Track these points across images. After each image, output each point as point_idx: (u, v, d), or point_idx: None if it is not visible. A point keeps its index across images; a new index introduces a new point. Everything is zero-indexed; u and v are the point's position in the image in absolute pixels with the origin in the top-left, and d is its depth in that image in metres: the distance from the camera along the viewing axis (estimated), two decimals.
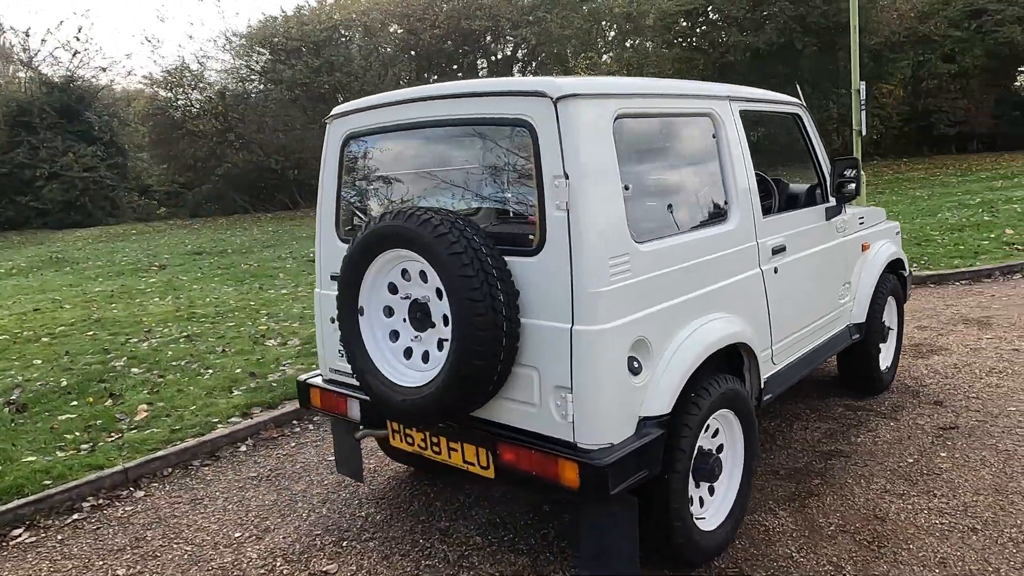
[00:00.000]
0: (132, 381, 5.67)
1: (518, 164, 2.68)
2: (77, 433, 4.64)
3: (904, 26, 22.62)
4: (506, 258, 2.56)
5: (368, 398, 2.97)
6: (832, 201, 4.02)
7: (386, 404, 2.76)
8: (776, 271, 3.42)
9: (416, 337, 2.77)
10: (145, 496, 3.95)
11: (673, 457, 2.69)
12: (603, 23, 27.11)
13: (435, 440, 2.94)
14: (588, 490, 2.44)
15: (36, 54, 24.94)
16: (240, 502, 3.83)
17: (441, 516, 3.53)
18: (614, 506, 2.57)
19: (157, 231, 20.42)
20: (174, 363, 6.12)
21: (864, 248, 4.42)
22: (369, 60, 24.38)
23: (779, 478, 3.69)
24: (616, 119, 2.61)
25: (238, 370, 5.80)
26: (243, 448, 4.52)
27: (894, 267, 4.69)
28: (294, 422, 4.89)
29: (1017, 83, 25.65)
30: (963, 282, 7.69)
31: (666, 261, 2.76)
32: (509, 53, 27.35)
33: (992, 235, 9.48)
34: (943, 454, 3.83)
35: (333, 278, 3.22)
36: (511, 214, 2.77)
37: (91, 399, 5.29)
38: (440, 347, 2.69)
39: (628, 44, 26.90)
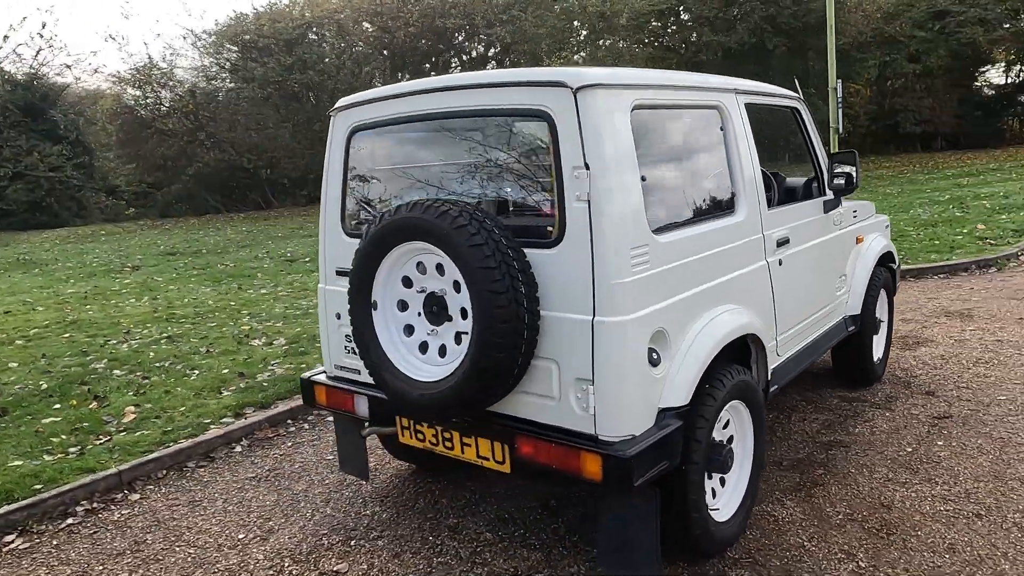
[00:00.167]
0: (116, 383, 5.53)
1: (534, 155, 2.65)
2: (63, 436, 4.51)
3: (871, 27, 23.07)
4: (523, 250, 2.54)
5: (381, 394, 2.93)
6: (829, 194, 4.06)
7: (402, 399, 2.71)
8: (781, 263, 3.45)
9: (432, 331, 2.73)
10: (141, 499, 3.85)
11: (690, 448, 2.69)
12: (576, 22, 27.19)
13: (447, 436, 2.90)
14: (611, 482, 2.43)
15: None
16: (240, 503, 3.75)
17: (448, 513, 3.49)
18: (636, 498, 2.56)
19: (127, 232, 20.02)
20: (157, 364, 5.99)
21: (858, 241, 4.49)
22: (342, 59, 24.14)
23: (783, 469, 3.72)
24: (633, 110, 2.61)
25: (225, 370, 5.69)
26: (238, 449, 4.43)
27: (884, 260, 4.76)
28: (289, 421, 4.81)
29: (978, 83, 26.33)
30: (941, 276, 7.85)
31: (682, 252, 2.76)
32: (482, 51, 27.29)
33: (965, 230, 9.68)
34: (940, 443, 3.89)
35: (339, 273, 3.17)
36: (526, 206, 2.74)
37: (74, 401, 5.15)
38: (458, 340, 2.65)
39: (601, 43, 26.99)
